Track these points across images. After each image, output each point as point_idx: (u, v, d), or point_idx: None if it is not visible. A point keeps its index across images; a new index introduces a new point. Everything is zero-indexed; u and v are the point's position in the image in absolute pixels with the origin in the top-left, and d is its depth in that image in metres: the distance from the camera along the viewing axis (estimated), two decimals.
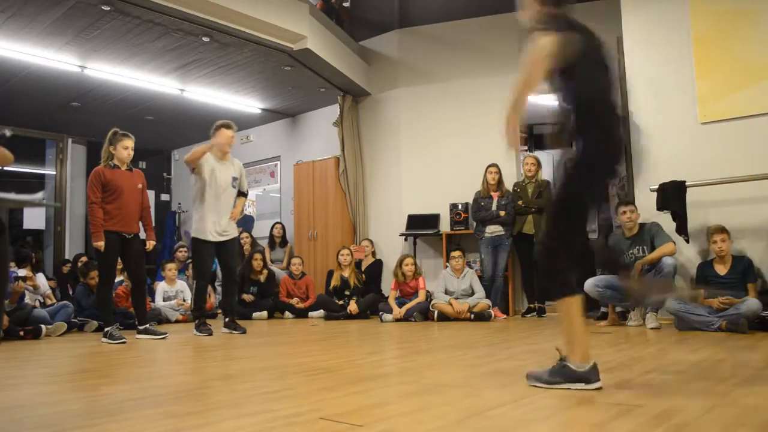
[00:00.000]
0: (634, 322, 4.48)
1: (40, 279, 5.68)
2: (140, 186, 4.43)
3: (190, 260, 6.81)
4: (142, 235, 4.50)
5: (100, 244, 4.13)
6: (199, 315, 4.66)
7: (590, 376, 1.94)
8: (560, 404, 1.83)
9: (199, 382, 2.46)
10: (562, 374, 1.98)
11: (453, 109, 6.90)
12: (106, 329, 4.16)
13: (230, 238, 4.70)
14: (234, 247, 4.82)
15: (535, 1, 2.21)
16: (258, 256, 6.73)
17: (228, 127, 4.74)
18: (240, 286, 6.64)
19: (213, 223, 4.59)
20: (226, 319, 4.72)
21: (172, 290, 6.22)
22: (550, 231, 2.11)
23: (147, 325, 4.35)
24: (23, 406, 1.98)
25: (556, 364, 2.02)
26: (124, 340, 4.05)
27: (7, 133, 2.32)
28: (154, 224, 4.71)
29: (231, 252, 4.75)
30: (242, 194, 4.91)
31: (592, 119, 2.05)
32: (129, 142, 4.35)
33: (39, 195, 4.44)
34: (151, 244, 4.51)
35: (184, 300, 6.19)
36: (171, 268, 6.28)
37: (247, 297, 6.53)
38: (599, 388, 1.93)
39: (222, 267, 4.89)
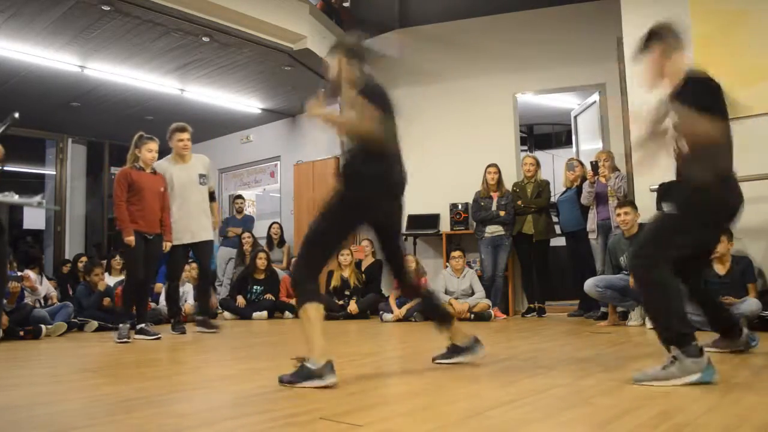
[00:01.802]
0: (634, 322, 4.47)
1: (43, 282, 5.65)
2: (162, 189, 4.49)
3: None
4: None
5: (131, 239, 4.20)
6: (174, 314, 4.82)
7: (324, 372, 2.12)
8: (560, 404, 1.83)
9: (199, 382, 2.46)
10: (300, 375, 2.16)
11: (453, 109, 6.90)
12: (110, 326, 4.28)
13: (204, 240, 4.75)
14: (209, 248, 4.88)
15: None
16: (263, 255, 6.75)
17: (180, 130, 4.73)
18: (243, 285, 6.67)
19: (184, 225, 4.65)
20: (199, 318, 4.79)
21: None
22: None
23: (143, 325, 4.36)
24: (23, 406, 1.98)
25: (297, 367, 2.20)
26: (128, 340, 4.09)
27: (16, 115, 2.36)
28: None
29: (205, 253, 4.83)
30: (213, 199, 4.96)
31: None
32: (153, 145, 4.42)
33: (38, 197, 4.44)
34: (167, 245, 4.54)
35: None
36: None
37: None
38: (333, 384, 2.11)
39: (198, 266, 4.99)
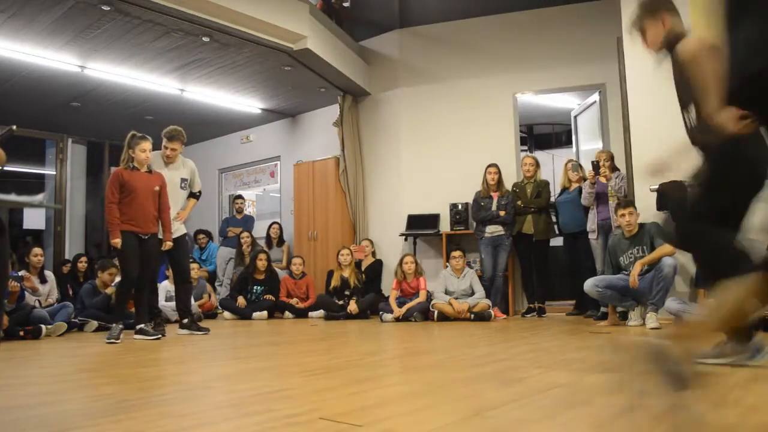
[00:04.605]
0: (634, 322, 4.48)
1: (48, 287, 5.62)
2: (157, 188, 4.46)
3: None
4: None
5: (117, 241, 4.19)
6: (153, 315, 4.65)
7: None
8: (560, 404, 1.83)
9: (199, 382, 2.46)
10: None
11: (453, 109, 6.90)
12: (111, 326, 4.24)
13: (178, 236, 4.70)
14: (184, 246, 4.82)
15: None
16: (263, 256, 6.75)
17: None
18: (244, 285, 6.67)
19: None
20: (184, 321, 4.70)
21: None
22: None
23: (142, 326, 4.35)
24: (23, 406, 1.98)
25: None
26: (118, 340, 4.06)
27: (14, 127, 2.35)
28: None
29: (181, 251, 4.76)
30: (193, 195, 4.94)
31: None
32: (146, 145, 4.39)
33: (39, 197, 4.43)
34: (167, 245, 4.51)
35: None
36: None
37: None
38: None
39: (173, 267, 4.93)
